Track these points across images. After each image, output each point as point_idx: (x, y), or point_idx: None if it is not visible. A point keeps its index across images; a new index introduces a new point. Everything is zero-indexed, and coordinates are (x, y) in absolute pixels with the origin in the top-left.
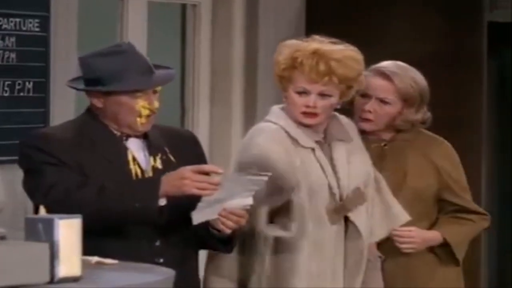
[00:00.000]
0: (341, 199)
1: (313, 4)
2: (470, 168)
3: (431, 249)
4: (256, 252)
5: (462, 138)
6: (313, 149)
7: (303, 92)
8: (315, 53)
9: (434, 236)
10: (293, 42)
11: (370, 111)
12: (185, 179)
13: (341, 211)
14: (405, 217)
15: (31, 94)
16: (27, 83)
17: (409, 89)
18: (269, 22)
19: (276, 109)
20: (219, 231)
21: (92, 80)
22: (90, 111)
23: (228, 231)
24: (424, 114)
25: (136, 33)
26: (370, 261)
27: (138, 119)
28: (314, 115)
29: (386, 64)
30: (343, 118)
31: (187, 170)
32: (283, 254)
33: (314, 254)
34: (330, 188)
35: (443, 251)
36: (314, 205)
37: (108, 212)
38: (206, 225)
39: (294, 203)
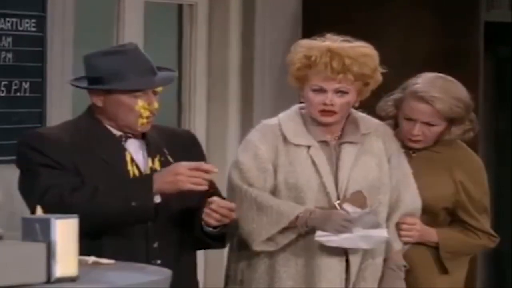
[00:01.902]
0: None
1: (309, 5)
2: None
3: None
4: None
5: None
6: (308, 147)
7: (319, 90)
8: (329, 51)
9: (431, 232)
10: (307, 41)
11: (417, 135)
12: (180, 175)
13: None
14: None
15: (27, 94)
16: (23, 83)
17: (454, 109)
18: (265, 22)
19: (294, 107)
20: (214, 228)
21: (94, 78)
22: (90, 111)
23: (214, 224)
24: (469, 123)
25: (132, 33)
26: (393, 270)
27: (139, 119)
28: (332, 112)
29: (424, 85)
30: (374, 123)
31: (181, 167)
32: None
33: (300, 252)
34: (324, 187)
35: (438, 256)
36: (299, 203)
37: (104, 214)
38: (200, 223)
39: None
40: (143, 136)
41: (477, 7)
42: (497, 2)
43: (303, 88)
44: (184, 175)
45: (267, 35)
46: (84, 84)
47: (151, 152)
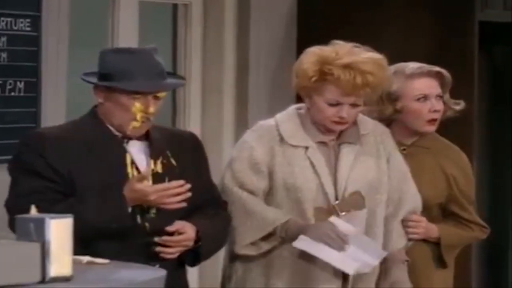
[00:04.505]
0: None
1: (304, 5)
2: None
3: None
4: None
5: (453, 138)
6: (306, 148)
7: (335, 104)
8: (349, 67)
9: (433, 228)
10: (318, 52)
11: (439, 110)
12: (149, 196)
13: (332, 213)
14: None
15: (22, 93)
16: (18, 83)
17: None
18: (260, 22)
19: (291, 108)
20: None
21: (102, 75)
22: (94, 112)
23: (171, 257)
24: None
25: (127, 32)
26: (397, 263)
27: (133, 122)
28: (344, 123)
29: (415, 64)
30: (372, 123)
31: (150, 192)
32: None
33: (296, 251)
34: (322, 188)
35: (435, 251)
36: (297, 203)
37: (83, 231)
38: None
39: (270, 202)
40: (146, 137)
41: (472, 7)
42: (492, 2)
43: (311, 96)
44: (154, 197)
45: (262, 35)
46: (95, 79)
47: (153, 154)
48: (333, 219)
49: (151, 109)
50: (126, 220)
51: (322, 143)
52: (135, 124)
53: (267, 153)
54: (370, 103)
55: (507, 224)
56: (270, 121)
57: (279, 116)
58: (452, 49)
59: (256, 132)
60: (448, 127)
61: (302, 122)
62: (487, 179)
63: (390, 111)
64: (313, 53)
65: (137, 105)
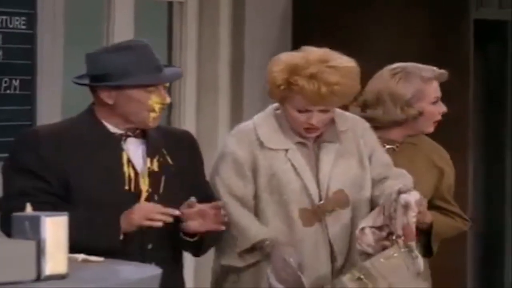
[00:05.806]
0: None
1: (299, 3)
2: (456, 167)
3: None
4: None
5: (448, 137)
6: (286, 150)
7: (304, 111)
8: (314, 78)
9: (429, 214)
10: (287, 59)
11: (444, 112)
12: (133, 213)
13: (317, 213)
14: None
15: (17, 91)
16: (13, 81)
17: None
18: (255, 20)
19: (269, 108)
20: (191, 236)
21: (99, 76)
22: (90, 110)
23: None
24: None
25: (122, 30)
26: None
27: (151, 114)
28: (316, 129)
29: (423, 66)
30: (351, 119)
31: (135, 209)
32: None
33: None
34: (306, 189)
35: (421, 240)
36: (283, 206)
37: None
38: (178, 230)
39: (256, 206)
40: (143, 135)
41: (466, 5)
42: (487, 0)
43: (283, 103)
44: (138, 213)
45: (257, 33)
46: (86, 82)
47: (150, 152)
48: (285, 250)
49: (168, 99)
50: (115, 243)
51: (302, 144)
52: (154, 115)
53: (248, 157)
54: (388, 108)
55: (502, 223)
56: (249, 124)
57: (256, 118)
58: (447, 48)
59: (234, 137)
60: (443, 126)
61: (280, 124)
62: (482, 178)
63: (414, 113)
64: (282, 60)
65: (153, 98)
